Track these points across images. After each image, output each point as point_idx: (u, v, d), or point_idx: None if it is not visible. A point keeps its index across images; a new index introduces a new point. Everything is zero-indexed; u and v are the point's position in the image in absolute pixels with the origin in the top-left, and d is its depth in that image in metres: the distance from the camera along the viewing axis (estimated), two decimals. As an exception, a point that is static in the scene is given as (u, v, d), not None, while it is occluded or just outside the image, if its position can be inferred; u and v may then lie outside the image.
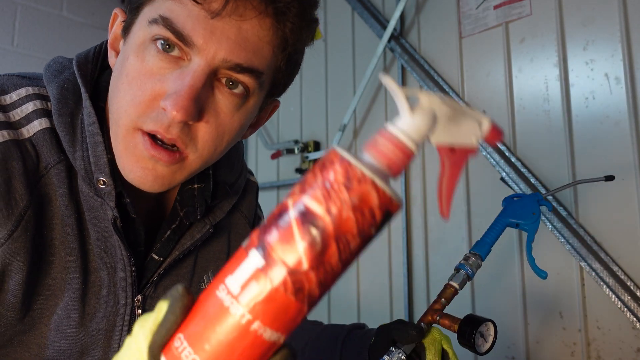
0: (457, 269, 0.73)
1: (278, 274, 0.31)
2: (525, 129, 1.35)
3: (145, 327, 0.34)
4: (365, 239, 0.32)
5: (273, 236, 0.32)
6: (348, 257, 0.32)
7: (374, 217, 0.32)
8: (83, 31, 2.33)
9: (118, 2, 2.47)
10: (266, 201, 2.13)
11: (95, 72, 0.60)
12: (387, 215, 0.32)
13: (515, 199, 0.78)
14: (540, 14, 1.33)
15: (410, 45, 1.63)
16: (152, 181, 0.54)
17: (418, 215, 1.56)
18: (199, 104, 0.51)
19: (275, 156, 2.00)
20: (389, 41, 1.63)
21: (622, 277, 1.14)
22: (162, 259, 0.62)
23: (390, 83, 0.36)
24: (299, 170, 1.89)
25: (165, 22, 0.50)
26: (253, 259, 0.32)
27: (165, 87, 0.51)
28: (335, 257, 0.32)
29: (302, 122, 2.00)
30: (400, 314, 1.58)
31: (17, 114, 0.55)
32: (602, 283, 1.15)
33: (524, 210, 0.76)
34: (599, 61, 1.22)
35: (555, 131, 1.28)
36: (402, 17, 1.66)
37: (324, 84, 1.93)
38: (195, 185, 0.65)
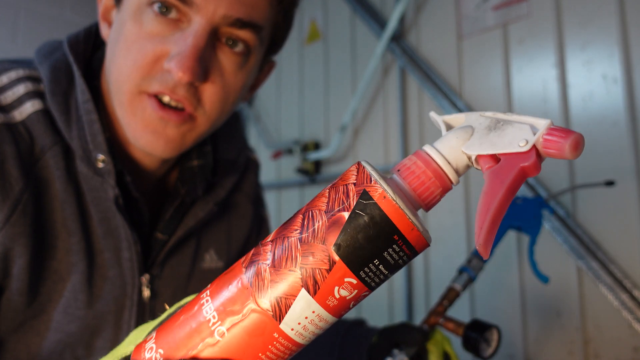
0: (460, 272, 0.73)
1: (248, 257, 0.31)
2: (523, 130, 1.36)
3: (115, 354, 0.34)
4: (333, 221, 0.28)
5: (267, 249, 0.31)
6: (309, 238, 0.28)
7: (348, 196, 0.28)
8: (85, 32, 2.34)
9: (119, 3, 2.49)
10: (267, 201, 2.14)
11: (87, 51, 0.59)
12: (394, 231, 0.28)
13: (517, 201, 0.77)
14: (538, 15, 1.34)
15: (409, 46, 1.64)
16: (164, 145, 0.53)
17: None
18: (203, 64, 0.50)
19: (275, 156, 2.01)
20: (388, 42, 1.64)
21: (620, 276, 1.15)
22: (167, 237, 0.62)
23: (433, 114, 0.33)
24: (299, 170, 1.90)
25: None
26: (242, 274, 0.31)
27: (167, 48, 0.50)
28: (296, 232, 0.28)
29: (302, 122, 2.01)
30: (400, 313, 1.59)
31: (9, 96, 0.53)
32: (599, 282, 1.16)
33: (525, 213, 0.75)
34: (596, 62, 1.23)
35: (553, 131, 1.29)
36: (401, 18, 1.67)
37: (323, 84, 1.94)
38: (195, 162, 0.64)
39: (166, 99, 0.52)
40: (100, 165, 0.54)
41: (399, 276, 1.60)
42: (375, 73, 1.72)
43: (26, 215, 0.51)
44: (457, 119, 0.32)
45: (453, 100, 1.50)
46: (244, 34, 0.52)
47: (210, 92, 0.53)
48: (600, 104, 1.22)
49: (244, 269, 0.29)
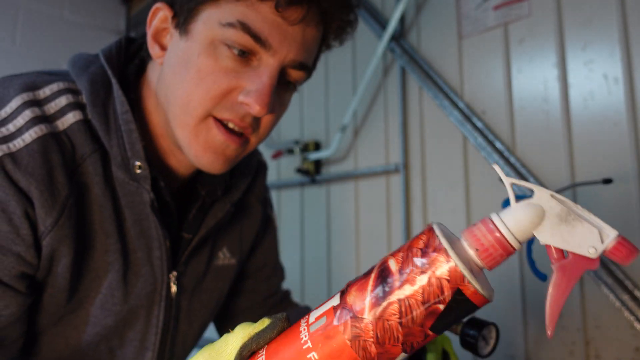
0: None
1: (343, 315, 0.33)
2: (524, 129, 1.35)
3: (245, 330, 0.39)
4: (430, 309, 0.32)
5: (355, 282, 0.35)
6: (409, 323, 0.32)
7: (442, 290, 0.31)
8: (84, 32, 2.34)
9: (118, 3, 2.48)
10: (267, 201, 2.14)
11: (120, 64, 0.64)
12: (459, 295, 0.32)
13: (517, 200, 0.77)
14: (539, 15, 1.34)
15: (410, 45, 1.64)
16: (222, 164, 0.60)
17: (418, 216, 1.57)
18: (273, 99, 0.58)
19: (275, 156, 2.00)
20: (388, 42, 1.64)
21: (621, 276, 1.14)
22: (191, 236, 0.67)
23: (498, 170, 0.35)
24: (300, 171, 1.90)
25: (244, 27, 0.54)
26: (335, 298, 0.36)
27: (242, 83, 0.56)
28: (395, 317, 0.32)
29: (302, 122, 2.01)
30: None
31: (52, 107, 0.58)
32: (600, 282, 1.16)
33: None
34: (597, 62, 1.23)
35: (554, 131, 1.29)
36: (402, 18, 1.67)
37: (324, 84, 1.93)
38: None
39: (231, 125, 0.59)
40: (138, 171, 0.59)
41: (400, 276, 1.60)
42: (375, 73, 1.72)
43: (70, 218, 0.56)
44: (524, 184, 0.35)
45: (454, 100, 1.49)
46: (300, 74, 0.61)
47: (268, 121, 0.61)
48: (601, 104, 1.22)
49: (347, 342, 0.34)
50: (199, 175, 0.70)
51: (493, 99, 1.42)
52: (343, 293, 0.35)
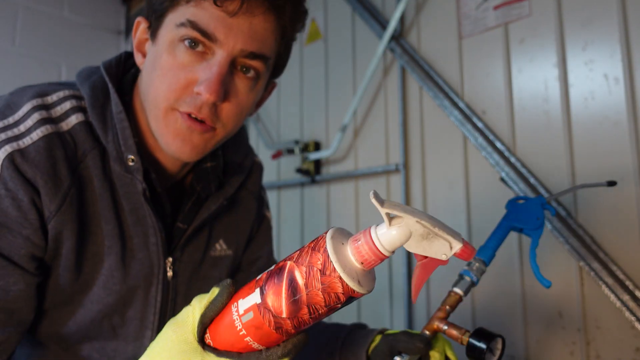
0: (461, 276, 0.70)
1: (266, 314, 0.45)
2: (524, 129, 1.35)
3: (201, 302, 0.48)
4: (332, 309, 0.45)
5: (270, 285, 0.45)
6: (317, 317, 0.45)
7: (339, 299, 0.44)
8: (84, 32, 2.33)
9: (118, 3, 2.48)
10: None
11: (119, 73, 0.73)
12: (350, 298, 0.44)
13: (519, 201, 0.75)
14: (539, 15, 1.34)
15: (410, 45, 1.64)
16: (190, 150, 0.66)
17: (418, 215, 1.57)
18: (224, 87, 0.64)
19: (275, 156, 2.00)
20: (389, 42, 1.63)
21: (621, 276, 1.14)
22: (186, 226, 0.74)
23: (373, 199, 0.44)
24: (300, 170, 1.89)
25: (192, 24, 0.62)
26: (255, 295, 0.46)
27: (196, 76, 0.63)
28: (306, 316, 0.45)
29: (302, 122, 2.00)
30: (400, 314, 1.59)
31: (58, 111, 0.66)
32: (601, 283, 1.16)
33: (527, 214, 0.73)
34: (598, 62, 1.23)
35: (554, 131, 1.29)
36: (402, 18, 1.67)
37: (324, 84, 1.93)
38: (209, 164, 0.78)
39: (193, 115, 0.65)
40: (131, 164, 0.67)
41: (399, 277, 1.60)
42: (375, 73, 1.72)
43: (72, 205, 0.64)
44: (394, 209, 0.45)
45: (454, 100, 1.49)
46: (255, 63, 0.66)
47: (227, 109, 0.66)
48: (601, 103, 1.21)
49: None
50: (194, 172, 0.77)
51: (493, 99, 1.42)
52: (262, 292, 0.45)
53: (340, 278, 0.42)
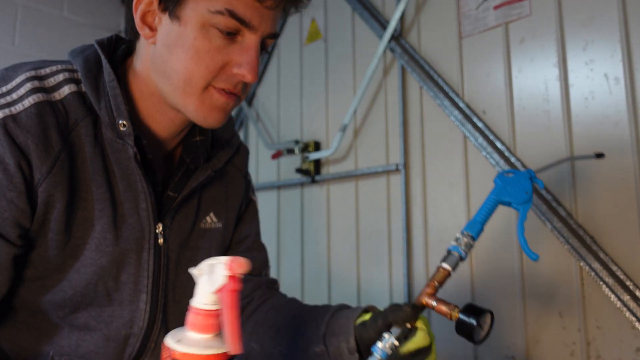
0: (449, 252, 0.71)
1: None
2: (525, 129, 1.35)
3: None
4: None
5: None
6: None
7: None
8: (83, 31, 2.33)
9: (117, 3, 2.48)
10: (267, 201, 2.14)
11: (111, 48, 0.76)
12: None
13: (507, 174, 0.74)
14: (539, 15, 1.34)
15: (410, 45, 1.63)
16: (223, 119, 0.73)
17: (418, 215, 1.57)
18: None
19: (275, 156, 2.00)
20: (389, 41, 1.63)
21: (622, 277, 1.14)
22: (176, 195, 0.78)
23: (192, 271, 0.50)
24: (300, 170, 1.89)
25: (231, 14, 0.67)
26: None
27: (231, 58, 0.69)
28: None
29: (302, 122, 2.00)
30: (401, 313, 1.59)
31: (51, 82, 0.69)
32: (601, 283, 1.16)
33: (516, 188, 0.73)
34: (598, 61, 1.23)
35: (554, 131, 1.29)
36: (402, 18, 1.66)
37: (324, 84, 1.93)
38: (198, 138, 0.81)
39: (227, 90, 0.71)
40: (122, 129, 0.70)
41: (399, 276, 1.60)
42: (375, 72, 1.72)
43: (63, 169, 0.66)
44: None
45: (454, 100, 1.49)
46: (272, 41, 0.73)
47: (252, 83, 0.73)
48: (602, 103, 1.21)
49: None
50: (183, 146, 0.81)
51: (493, 99, 1.42)
52: None
53: (183, 353, 0.45)
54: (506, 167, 1.34)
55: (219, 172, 0.85)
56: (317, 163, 1.89)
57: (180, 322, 0.77)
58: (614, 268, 1.15)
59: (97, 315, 0.72)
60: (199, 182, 0.79)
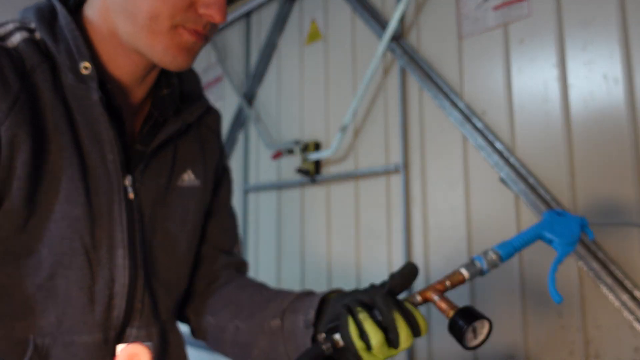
0: (473, 260, 0.67)
1: None
2: (524, 130, 1.36)
3: None
4: None
5: None
6: None
7: None
8: None
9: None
10: (267, 202, 2.14)
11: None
12: None
13: (559, 215, 0.72)
14: (539, 15, 1.34)
15: (410, 46, 1.64)
16: (191, 60, 0.70)
17: (418, 215, 1.57)
18: None
19: (276, 156, 2.01)
20: (389, 42, 1.64)
21: (620, 276, 1.15)
22: (144, 147, 0.74)
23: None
24: (300, 171, 1.90)
25: None
26: None
27: None
28: None
29: (302, 123, 2.01)
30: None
31: (1, 32, 0.66)
32: (600, 282, 1.16)
33: (563, 228, 0.70)
34: (597, 62, 1.23)
35: (554, 132, 1.29)
36: (402, 18, 1.67)
37: (324, 84, 1.93)
38: (165, 91, 0.78)
39: (197, 31, 0.68)
40: (85, 72, 0.66)
41: (400, 276, 1.60)
42: (375, 73, 1.72)
43: (25, 108, 0.62)
44: None
45: (454, 100, 1.49)
46: None
47: (219, 24, 0.71)
48: (601, 104, 1.22)
49: None
50: (152, 100, 0.77)
51: (493, 100, 1.42)
52: None
53: None
54: (505, 168, 1.35)
55: (192, 129, 0.83)
56: (317, 163, 1.89)
57: (161, 282, 0.76)
58: (613, 268, 1.16)
59: (79, 279, 0.66)
60: (169, 134, 0.76)
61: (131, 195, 0.71)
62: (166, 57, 0.68)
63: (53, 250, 0.64)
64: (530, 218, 1.31)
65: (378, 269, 1.68)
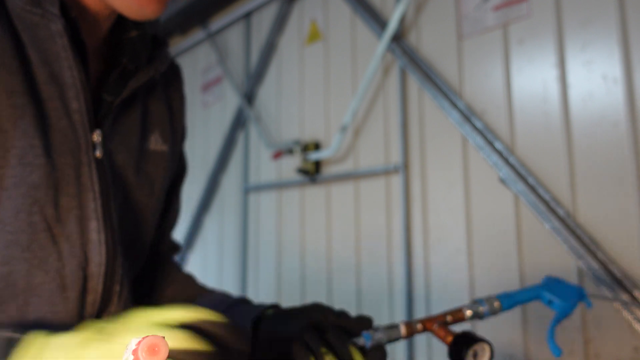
0: (475, 302, 0.69)
1: None
2: (523, 130, 1.36)
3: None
4: None
5: None
6: None
7: None
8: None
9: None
10: (267, 201, 2.15)
11: None
12: None
13: (558, 281, 0.76)
14: (538, 16, 1.34)
15: (409, 46, 1.64)
16: (162, 9, 0.57)
17: (418, 215, 1.57)
18: None
19: (276, 156, 2.01)
20: (388, 42, 1.64)
21: (620, 276, 1.15)
22: (113, 98, 0.60)
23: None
24: (300, 171, 1.90)
25: None
26: None
27: None
28: None
29: (302, 123, 2.01)
30: (400, 314, 1.59)
31: None
32: (600, 282, 1.16)
33: (563, 294, 0.73)
34: (597, 62, 1.23)
35: (553, 132, 1.29)
36: (402, 19, 1.67)
37: (324, 84, 1.94)
38: (134, 33, 0.64)
39: None
40: None
41: (399, 275, 1.60)
42: (375, 73, 1.73)
43: None
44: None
45: (453, 100, 1.50)
46: None
47: None
48: (600, 104, 1.22)
49: None
50: (118, 44, 0.65)
51: (492, 100, 1.43)
52: None
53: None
54: (505, 168, 1.35)
55: (158, 85, 0.71)
56: (317, 163, 1.90)
57: (127, 258, 0.63)
58: (612, 267, 1.16)
59: (42, 262, 0.53)
60: (140, 82, 0.63)
61: (98, 154, 0.57)
62: (133, 4, 0.56)
63: (5, 228, 0.51)
64: (529, 218, 1.31)
65: (378, 269, 1.68)
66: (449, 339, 0.59)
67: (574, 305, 0.71)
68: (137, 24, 0.64)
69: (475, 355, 0.58)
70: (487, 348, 0.58)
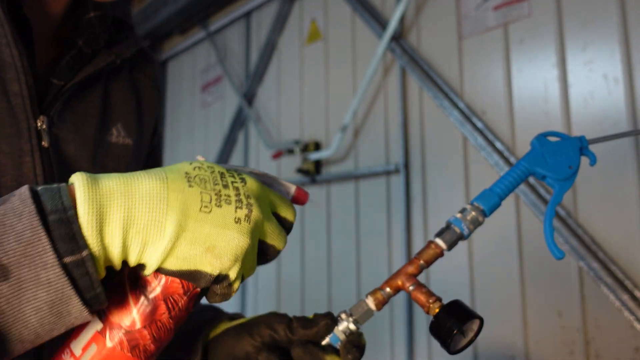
0: (448, 224, 0.53)
1: (114, 334, 0.37)
2: (524, 130, 1.36)
3: None
4: (191, 296, 0.38)
5: (111, 302, 0.37)
6: (177, 315, 0.38)
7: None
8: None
9: (119, 2, 2.48)
10: (267, 201, 2.14)
11: None
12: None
13: (550, 138, 0.56)
14: (539, 15, 1.34)
15: (410, 46, 1.64)
16: None
17: (418, 215, 1.57)
18: None
19: (276, 156, 2.01)
20: (389, 42, 1.64)
21: (620, 276, 1.15)
22: (63, 83, 0.54)
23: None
24: (300, 171, 1.90)
25: None
26: (93, 324, 0.37)
27: None
28: (165, 315, 0.37)
29: (302, 122, 2.01)
30: (400, 314, 1.59)
31: None
32: (600, 283, 1.16)
33: (557, 158, 0.55)
34: (597, 62, 1.23)
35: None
36: (402, 18, 1.67)
37: (324, 84, 1.93)
38: (92, 14, 0.58)
39: None
40: None
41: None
42: (375, 73, 1.72)
43: None
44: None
45: (454, 100, 1.49)
46: None
47: None
48: (601, 103, 1.22)
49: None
50: (74, 25, 0.59)
51: (493, 99, 1.42)
52: (101, 314, 0.37)
53: None
54: (505, 167, 1.35)
55: (124, 72, 0.65)
56: (317, 163, 1.89)
57: None
58: (613, 268, 1.16)
59: None
60: (98, 67, 0.57)
61: (45, 143, 0.51)
62: None
63: None
64: (528, 218, 1.31)
65: (378, 269, 1.68)
66: (434, 309, 0.46)
67: (576, 170, 0.54)
68: (97, 5, 0.58)
69: (462, 332, 0.46)
70: (476, 324, 0.47)
